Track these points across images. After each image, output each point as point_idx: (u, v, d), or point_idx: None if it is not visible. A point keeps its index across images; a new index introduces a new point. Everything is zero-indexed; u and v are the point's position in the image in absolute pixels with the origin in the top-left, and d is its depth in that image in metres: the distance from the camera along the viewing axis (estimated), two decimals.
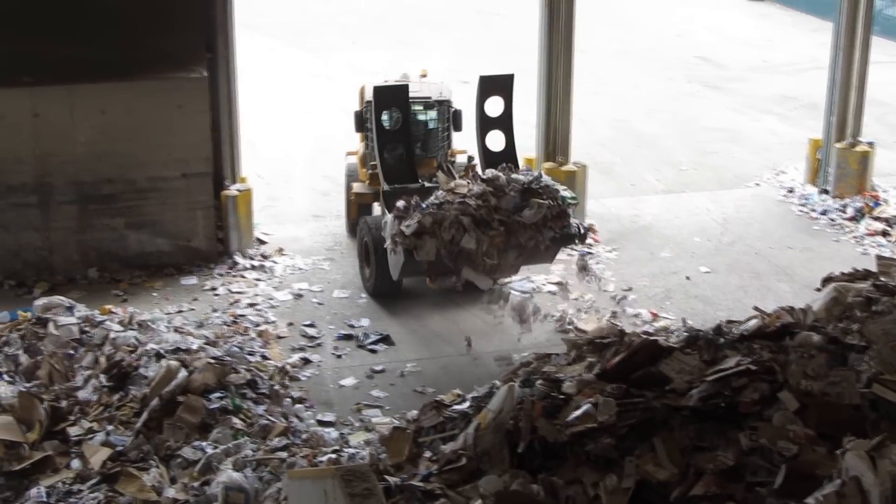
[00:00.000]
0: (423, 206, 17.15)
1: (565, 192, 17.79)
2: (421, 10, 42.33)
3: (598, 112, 29.20)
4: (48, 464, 13.27)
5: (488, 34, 39.10)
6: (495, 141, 19.43)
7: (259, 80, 30.17)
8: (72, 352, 15.46)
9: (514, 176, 17.71)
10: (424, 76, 20.82)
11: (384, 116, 18.95)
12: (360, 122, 20.14)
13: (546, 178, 17.93)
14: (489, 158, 19.08)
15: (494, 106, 19.52)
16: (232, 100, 20.40)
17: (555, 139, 21.62)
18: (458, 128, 20.14)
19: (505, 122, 19.37)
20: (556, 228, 17.47)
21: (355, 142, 21.06)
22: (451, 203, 17.13)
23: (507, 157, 18.92)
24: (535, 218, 17.20)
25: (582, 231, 17.99)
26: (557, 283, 19.38)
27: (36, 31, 19.19)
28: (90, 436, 13.64)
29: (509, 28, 38.34)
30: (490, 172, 17.89)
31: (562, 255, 20.28)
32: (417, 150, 19.68)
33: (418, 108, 19.92)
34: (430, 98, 19.98)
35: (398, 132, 18.96)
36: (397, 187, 18.22)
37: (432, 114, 20.05)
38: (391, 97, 19.03)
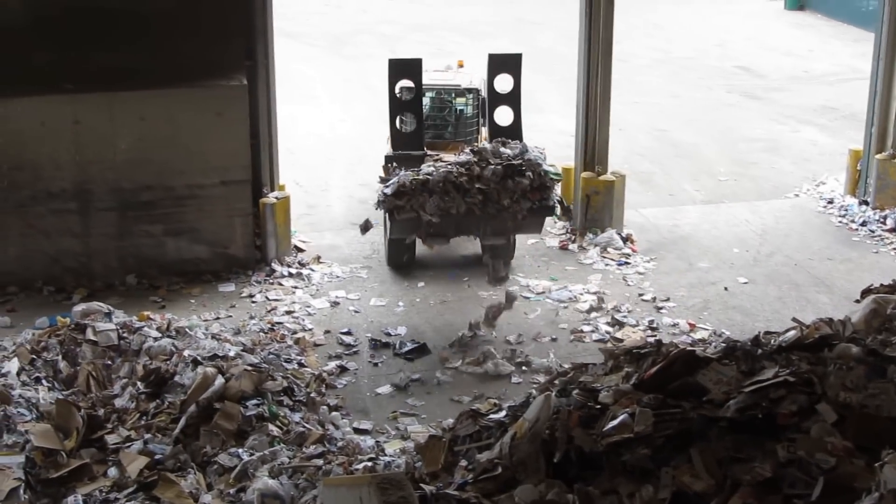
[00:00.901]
0: (405, 172, 18.49)
1: (549, 168, 18.71)
2: (459, 19, 42.36)
3: (637, 122, 29.12)
4: (85, 472, 13.34)
5: (527, 43, 39.05)
6: (504, 116, 20.65)
7: (297, 88, 30.27)
8: (109, 362, 15.53)
9: (501, 149, 18.76)
10: (461, 66, 21.98)
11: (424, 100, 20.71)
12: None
13: (533, 153, 18.78)
14: (496, 133, 20.28)
15: (504, 83, 20.76)
16: (271, 107, 20.48)
17: (593, 148, 21.55)
18: (483, 115, 21.22)
19: (513, 99, 20.58)
20: (535, 200, 18.44)
21: None
22: (436, 170, 18.37)
23: (513, 131, 20.16)
24: (497, 177, 18.26)
25: (564, 205, 19.56)
26: (594, 293, 19.34)
27: (77, 39, 19.33)
28: (128, 444, 13.71)
29: (548, 37, 38.33)
30: (482, 145, 19.16)
31: (599, 264, 20.34)
32: (448, 133, 21.25)
33: (450, 95, 21.47)
34: (460, 86, 21.32)
35: (410, 103, 20.40)
36: (400, 153, 19.78)
37: (462, 100, 21.32)
38: (405, 69, 20.44)
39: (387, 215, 18.90)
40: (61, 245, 19.63)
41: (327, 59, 36.76)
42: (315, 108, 30.16)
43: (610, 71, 21.31)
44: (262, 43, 20.15)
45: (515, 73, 20.60)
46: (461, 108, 21.40)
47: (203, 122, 19.54)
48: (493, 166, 18.36)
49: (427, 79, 21.05)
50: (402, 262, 20.47)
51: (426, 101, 21.05)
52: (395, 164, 19.27)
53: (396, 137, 20.27)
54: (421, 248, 20.18)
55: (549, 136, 27.34)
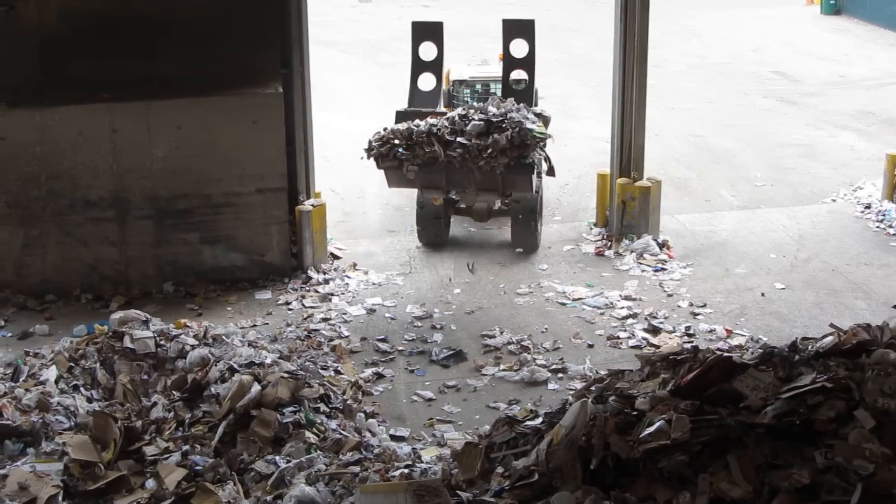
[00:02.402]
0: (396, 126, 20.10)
1: (534, 127, 19.51)
2: (494, 25, 42.29)
3: (673, 127, 29.07)
4: (123, 484, 13.36)
5: (563, 50, 39.07)
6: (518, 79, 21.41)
7: (333, 95, 30.33)
8: (146, 376, 15.56)
9: (489, 108, 19.90)
10: (501, 59, 22.25)
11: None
12: (448, 99, 22.86)
13: (521, 113, 19.73)
14: (509, 95, 20.97)
15: (519, 48, 21.51)
16: (306, 115, 20.56)
17: (629, 154, 21.48)
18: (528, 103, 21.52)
19: (528, 63, 21.43)
20: (512, 157, 19.43)
21: None
22: (425, 124, 19.79)
23: (526, 94, 21.11)
24: (476, 131, 19.39)
25: (549, 165, 20.41)
26: (629, 298, 19.31)
27: (114, 49, 19.46)
28: (166, 455, 13.74)
29: (584, 43, 38.31)
30: (474, 104, 20.48)
31: (635, 270, 20.29)
32: None
33: (491, 86, 22.44)
34: (500, 76, 21.96)
35: (432, 63, 21.47)
36: (411, 109, 20.92)
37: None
38: (428, 31, 21.76)
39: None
40: (99, 253, 19.76)
41: (363, 67, 36.84)
42: (350, 116, 30.21)
43: (645, 77, 21.26)
44: (297, 51, 20.23)
45: (529, 38, 21.30)
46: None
47: (239, 131, 19.62)
48: (474, 122, 19.50)
49: (468, 73, 22.50)
50: (432, 238, 21.49)
51: (468, 93, 22.07)
52: (404, 120, 20.34)
53: (414, 96, 21.34)
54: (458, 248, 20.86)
55: (585, 142, 27.42)
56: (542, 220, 21.75)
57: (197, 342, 16.18)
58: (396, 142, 19.79)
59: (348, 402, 15.35)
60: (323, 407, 14.79)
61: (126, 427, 14.01)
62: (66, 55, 19.46)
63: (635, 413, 11.47)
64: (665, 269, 20.51)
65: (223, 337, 16.63)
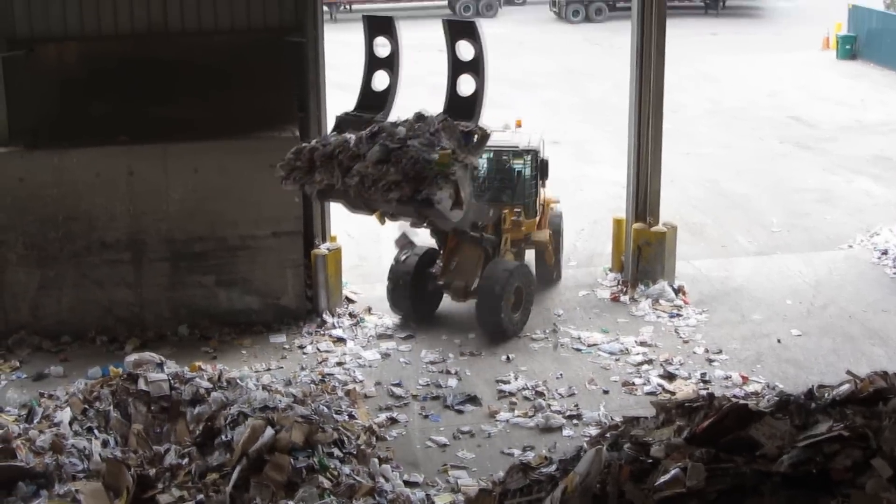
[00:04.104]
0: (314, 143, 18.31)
1: (435, 157, 17.41)
2: (511, 70, 42.53)
3: (689, 172, 29.08)
4: None
5: (579, 94, 39.18)
6: (465, 85, 18.74)
7: None
8: (159, 429, 15.53)
9: (396, 129, 18.00)
10: (519, 126, 21.29)
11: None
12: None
13: (426, 138, 17.73)
14: (455, 104, 18.71)
15: (466, 51, 18.70)
16: None
17: (645, 200, 21.47)
18: (543, 176, 20.87)
19: (475, 67, 18.51)
20: (405, 193, 17.37)
21: None
22: (329, 143, 18.16)
23: (473, 103, 18.41)
24: (374, 159, 17.51)
25: (435, 199, 17.32)
26: (644, 343, 19.27)
27: (132, 91, 19.58)
28: None
29: (600, 88, 38.41)
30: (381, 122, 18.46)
31: (651, 316, 20.24)
32: (506, 196, 20.53)
33: (508, 156, 20.81)
34: (517, 146, 20.72)
35: (386, 60, 19.25)
36: (349, 116, 19.02)
37: (520, 162, 20.74)
38: (380, 26, 19.31)
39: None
40: (114, 295, 19.80)
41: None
42: None
43: (661, 121, 21.29)
44: (314, 95, 20.31)
45: (474, 40, 18.41)
46: (519, 169, 20.87)
47: (255, 174, 19.65)
48: (374, 147, 17.66)
49: None
50: (404, 307, 20.39)
51: (483, 161, 20.30)
52: (339, 128, 18.87)
53: (366, 96, 19.43)
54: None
55: (601, 186, 27.44)
56: (559, 266, 21.92)
57: (211, 385, 16.19)
58: (298, 164, 18.29)
59: (362, 447, 15.29)
60: (337, 452, 14.73)
61: (139, 475, 13.97)
62: (85, 97, 19.62)
63: (650, 461, 11.41)
64: (681, 315, 20.45)
65: (237, 380, 16.65)
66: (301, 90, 20.30)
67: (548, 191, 21.63)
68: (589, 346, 19.32)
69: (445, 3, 57.86)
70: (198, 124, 19.67)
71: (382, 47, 19.40)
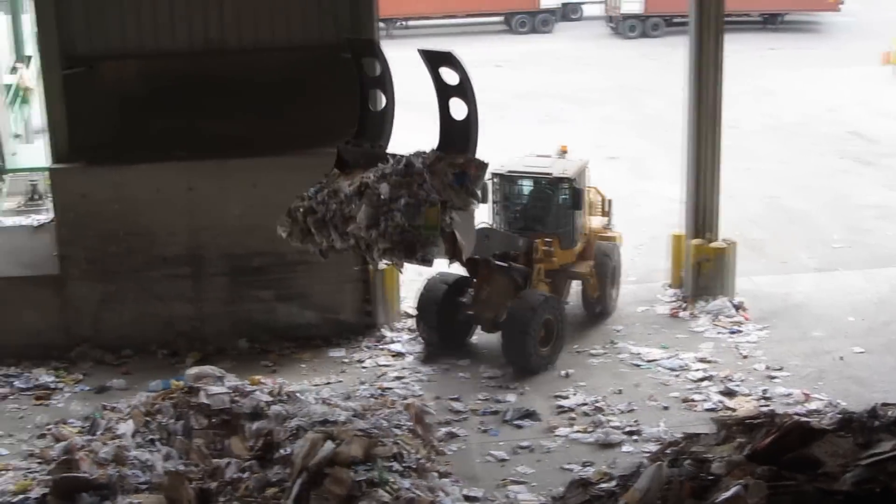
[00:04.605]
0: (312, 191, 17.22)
1: (418, 223, 16.38)
2: (566, 86, 42.54)
3: (748, 188, 28.89)
4: None
5: (635, 110, 39.08)
6: (456, 109, 17.39)
7: None
8: (220, 443, 15.63)
9: (381, 186, 16.70)
10: (564, 152, 20.87)
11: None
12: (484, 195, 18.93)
13: (403, 202, 16.45)
14: (449, 129, 17.47)
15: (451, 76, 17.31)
16: None
17: (703, 215, 21.40)
18: (576, 206, 19.95)
19: (463, 92, 17.11)
20: (398, 257, 16.70)
21: None
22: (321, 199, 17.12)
23: (466, 127, 17.18)
24: (365, 223, 16.44)
25: (430, 259, 16.57)
26: (704, 360, 19.17)
27: (191, 108, 19.74)
28: None
29: (656, 104, 38.29)
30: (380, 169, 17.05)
31: (710, 332, 20.15)
32: (538, 226, 19.91)
33: (544, 184, 20.04)
34: (551, 174, 19.93)
35: (378, 79, 18.00)
36: (352, 146, 17.82)
37: (553, 190, 20.06)
38: (362, 48, 18.19)
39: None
40: (175, 309, 19.95)
41: (432, 126, 36.94)
42: None
43: (720, 137, 21.21)
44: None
45: (455, 68, 16.97)
46: (553, 197, 20.13)
47: None
48: (362, 209, 16.55)
49: (523, 165, 20.21)
50: (433, 335, 19.88)
51: (518, 189, 19.97)
52: (340, 159, 17.73)
53: (364, 122, 18.05)
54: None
55: (658, 202, 27.32)
56: (618, 286, 21.60)
57: (271, 399, 16.27)
58: (297, 226, 17.49)
59: (421, 460, 15.31)
60: (396, 465, 14.76)
61: (200, 489, 14.06)
62: (144, 114, 19.80)
63: (711, 477, 11.39)
64: (741, 332, 20.33)
65: (297, 394, 16.73)
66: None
67: (597, 221, 21.15)
68: (648, 361, 19.25)
69: (502, 18, 57.86)
70: (255, 140, 19.81)
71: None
